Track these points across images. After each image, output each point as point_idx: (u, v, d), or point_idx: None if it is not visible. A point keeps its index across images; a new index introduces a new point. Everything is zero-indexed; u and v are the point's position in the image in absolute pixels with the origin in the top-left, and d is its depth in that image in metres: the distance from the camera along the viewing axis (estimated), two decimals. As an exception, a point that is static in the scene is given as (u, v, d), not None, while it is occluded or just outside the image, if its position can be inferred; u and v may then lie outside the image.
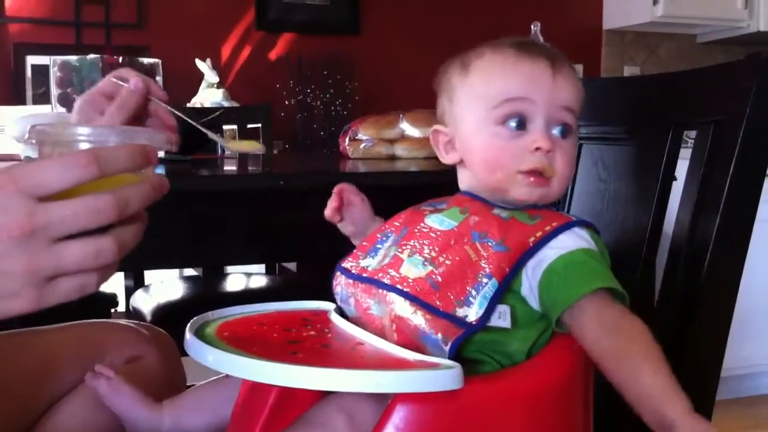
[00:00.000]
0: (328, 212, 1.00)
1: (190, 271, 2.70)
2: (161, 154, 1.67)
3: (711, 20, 3.40)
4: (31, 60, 3.06)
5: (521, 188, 0.87)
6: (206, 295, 2.25)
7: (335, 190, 1.00)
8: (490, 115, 0.88)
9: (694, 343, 0.89)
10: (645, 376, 0.73)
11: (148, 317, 2.04)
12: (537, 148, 0.86)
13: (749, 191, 0.88)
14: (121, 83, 1.04)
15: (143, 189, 0.63)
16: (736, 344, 0.98)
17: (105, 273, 0.63)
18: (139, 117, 1.06)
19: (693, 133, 0.98)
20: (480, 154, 0.90)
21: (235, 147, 1.32)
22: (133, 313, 2.17)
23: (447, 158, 0.95)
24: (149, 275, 2.46)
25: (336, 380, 0.73)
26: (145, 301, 2.15)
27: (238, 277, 2.46)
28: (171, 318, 1.98)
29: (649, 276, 0.99)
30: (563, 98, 0.88)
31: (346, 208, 1.01)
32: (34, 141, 0.68)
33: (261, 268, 2.54)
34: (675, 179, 1.01)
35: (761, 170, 0.88)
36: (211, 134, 1.10)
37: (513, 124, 0.88)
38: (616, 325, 0.78)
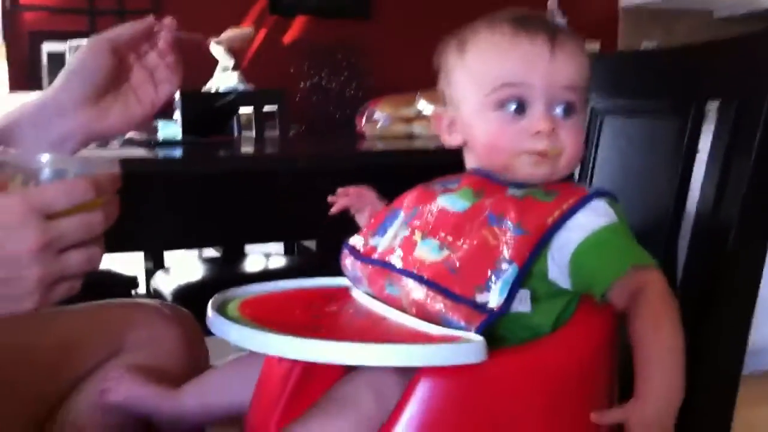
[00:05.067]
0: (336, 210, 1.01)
1: (209, 253, 2.70)
2: (179, 136, 1.67)
3: (729, -5, 3.36)
4: (47, 47, 3.07)
5: (526, 166, 0.86)
6: (226, 275, 2.26)
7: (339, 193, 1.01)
8: (487, 99, 0.86)
9: (718, 322, 0.88)
10: (654, 368, 0.75)
11: (169, 298, 2.05)
12: (538, 132, 0.84)
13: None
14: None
15: (114, 205, 0.75)
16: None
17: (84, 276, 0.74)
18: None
19: (715, 104, 0.97)
20: (481, 137, 0.89)
21: (226, 38, 1.27)
22: (153, 295, 2.18)
23: (450, 140, 0.93)
24: (169, 257, 2.47)
25: (362, 354, 0.73)
26: (166, 283, 2.16)
27: (258, 257, 2.46)
28: (192, 299, 1.98)
29: (672, 252, 0.98)
30: (564, 77, 0.85)
31: (354, 203, 1.01)
32: None
33: (280, 248, 2.55)
34: (698, 152, 0.99)
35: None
36: (187, 34, 1.05)
37: (512, 108, 0.85)
38: (648, 306, 0.77)
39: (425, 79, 1.83)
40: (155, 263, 2.40)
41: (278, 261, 2.38)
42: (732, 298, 0.89)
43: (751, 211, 0.87)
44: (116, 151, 1.50)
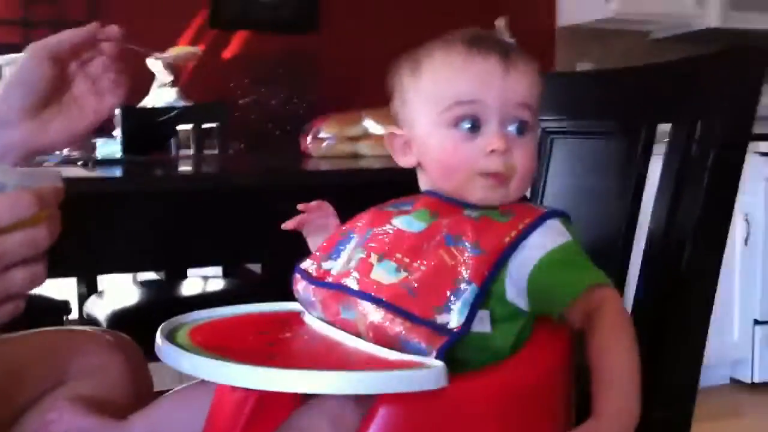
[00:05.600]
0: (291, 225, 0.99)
1: (144, 276, 2.64)
2: (118, 154, 1.63)
3: (663, 17, 3.44)
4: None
5: (480, 190, 0.86)
6: (164, 299, 2.20)
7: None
8: (441, 117, 0.86)
9: (674, 341, 0.89)
10: (611, 387, 0.74)
11: (104, 324, 1.98)
12: (492, 151, 0.84)
13: (727, 186, 0.87)
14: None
15: (58, 220, 0.71)
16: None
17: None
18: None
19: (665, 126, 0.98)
20: (435, 157, 0.88)
21: (172, 55, 1.23)
22: (87, 321, 2.11)
23: (404, 161, 0.93)
24: (102, 280, 2.40)
25: (319, 383, 0.71)
26: (100, 308, 2.09)
27: (197, 280, 2.40)
28: (129, 324, 1.93)
29: (624, 271, 0.98)
30: (517, 95, 0.85)
31: (312, 219, 0.99)
32: None
33: (219, 270, 2.49)
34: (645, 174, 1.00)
35: (739, 167, 0.87)
36: (137, 47, 1.02)
37: (466, 126, 0.85)
38: (605, 324, 0.77)
39: (370, 96, 1.82)
40: (88, 287, 2.32)
41: (218, 284, 2.33)
42: (687, 317, 0.90)
43: (705, 232, 0.88)
44: (53, 169, 1.45)
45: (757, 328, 3.02)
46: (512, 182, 0.86)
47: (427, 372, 0.73)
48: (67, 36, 0.91)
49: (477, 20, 0.91)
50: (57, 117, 0.92)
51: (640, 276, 0.94)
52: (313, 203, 0.99)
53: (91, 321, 2.05)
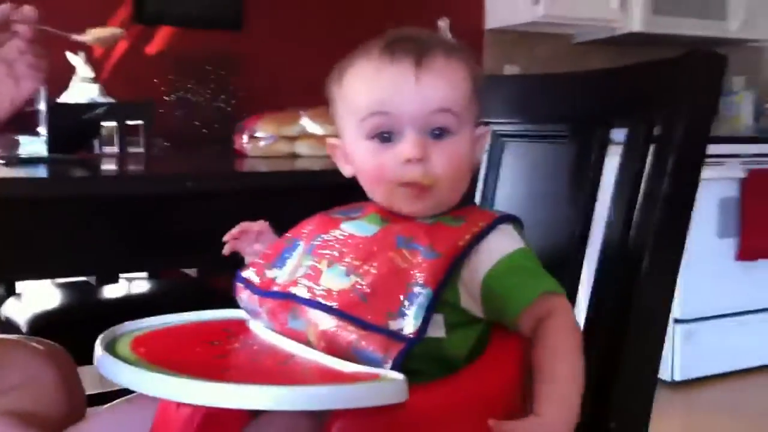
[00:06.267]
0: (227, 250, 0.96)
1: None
2: (45, 152, 1.55)
3: (588, 20, 3.49)
4: None
5: (404, 202, 0.84)
6: (89, 302, 2.11)
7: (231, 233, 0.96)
8: (359, 129, 0.85)
9: (632, 347, 0.88)
10: (555, 390, 0.76)
11: (24, 328, 1.88)
12: (408, 160, 0.82)
13: (688, 189, 0.88)
14: None
15: None
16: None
17: None
18: None
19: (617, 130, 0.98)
20: (359, 168, 0.87)
21: (93, 37, 1.17)
22: (5, 325, 2.00)
23: (346, 171, 0.92)
24: (20, 283, 2.28)
25: (273, 399, 0.67)
26: (19, 311, 1.99)
27: (123, 283, 2.31)
28: (52, 329, 1.84)
29: (576, 278, 0.98)
30: (432, 101, 0.83)
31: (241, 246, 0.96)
32: None
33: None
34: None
35: (698, 171, 0.88)
36: (54, 30, 0.95)
37: (381, 137, 0.84)
38: (554, 328, 0.79)
39: (302, 93, 1.78)
40: (7, 289, 2.21)
41: (146, 286, 2.24)
42: (645, 322, 0.89)
43: (665, 237, 0.88)
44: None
45: (677, 326, 3.09)
46: (436, 190, 0.84)
47: (387, 384, 0.70)
48: None
49: (412, 20, 0.89)
50: None
51: (595, 282, 0.94)
52: (235, 230, 0.96)
53: (11, 325, 1.95)
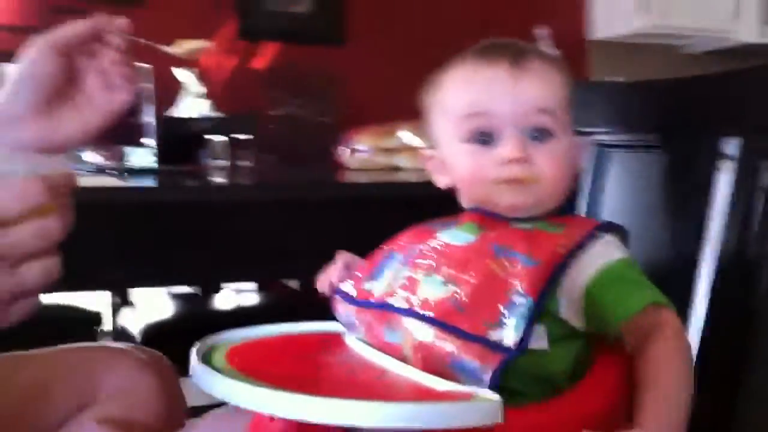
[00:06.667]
0: (325, 283, 0.92)
1: (177, 288, 2.60)
2: (153, 164, 1.59)
3: (698, 31, 3.37)
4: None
5: (505, 195, 0.82)
6: (200, 313, 2.16)
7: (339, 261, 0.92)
8: (457, 132, 0.84)
9: (756, 365, 0.83)
10: (661, 403, 0.71)
11: (138, 338, 1.94)
12: (508, 161, 0.81)
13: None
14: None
15: (69, 211, 0.66)
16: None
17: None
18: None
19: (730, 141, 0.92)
20: (459, 173, 0.86)
21: (184, 50, 1.17)
22: (119, 334, 2.07)
23: (441, 182, 0.90)
24: (133, 292, 2.35)
25: (366, 415, 0.65)
26: (134, 320, 2.05)
27: (232, 294, 2.36)
28: (164, 339, 1.89)
29: (688, 297, 0.92)
30: (531, 101, 0.82)
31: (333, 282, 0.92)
32: None
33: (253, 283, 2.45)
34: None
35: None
36: (145, 41, 0.96)
37: (479, 140, 0.83)
38: (663, 340, 0.75)
39: (403, 107, 1.78)
40: (122, 298, 2.29)
41: (254, 298, 2.28)
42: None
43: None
44: (85, 178, 1.41)
45: None
46: (538, 187, 0.82)
47: (482, 404, 0.67)
48: (69, 29, 0.86)
49: (514, 31, 0.87)
50: (69, 114, 0.86)
51: (709, 301, 0.88)
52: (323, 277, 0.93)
53: (125, 334, 2.01)
